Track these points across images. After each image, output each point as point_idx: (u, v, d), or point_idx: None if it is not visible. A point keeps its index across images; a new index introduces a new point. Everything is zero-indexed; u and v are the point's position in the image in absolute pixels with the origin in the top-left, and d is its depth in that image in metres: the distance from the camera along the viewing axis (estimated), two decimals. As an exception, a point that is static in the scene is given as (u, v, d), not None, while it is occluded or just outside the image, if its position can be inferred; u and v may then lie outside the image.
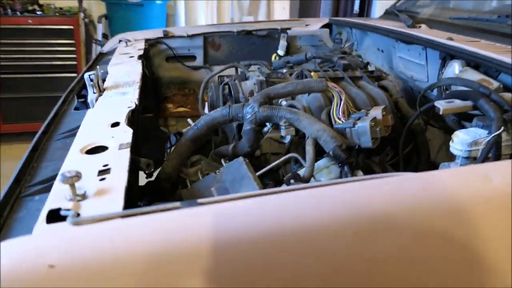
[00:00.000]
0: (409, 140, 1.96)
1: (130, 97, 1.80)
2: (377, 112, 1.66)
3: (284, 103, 1.91)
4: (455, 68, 1.86)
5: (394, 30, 2.26)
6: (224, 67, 2.39)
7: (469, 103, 1.51)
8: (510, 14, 1.94)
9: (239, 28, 3.27)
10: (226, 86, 2.17)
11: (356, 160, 1.59)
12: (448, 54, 1.96)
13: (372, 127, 1.59)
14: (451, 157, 2.11)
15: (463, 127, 1.96)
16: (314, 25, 3.35)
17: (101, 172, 1.12)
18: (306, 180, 1.53)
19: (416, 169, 2.03)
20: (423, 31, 2.24)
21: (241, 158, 1.41)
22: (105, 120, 1.50)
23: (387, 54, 2.55)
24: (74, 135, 1.51)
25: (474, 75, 1.77)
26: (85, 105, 1.92)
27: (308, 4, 6.16)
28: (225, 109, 1.72)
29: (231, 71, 2.53)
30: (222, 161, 1.80)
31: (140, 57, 2.49)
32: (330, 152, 1.58)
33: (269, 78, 2.02)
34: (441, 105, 1.51)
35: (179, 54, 3.24)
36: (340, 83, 2.05)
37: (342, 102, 1.68)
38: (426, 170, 2.04)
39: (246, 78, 2.21)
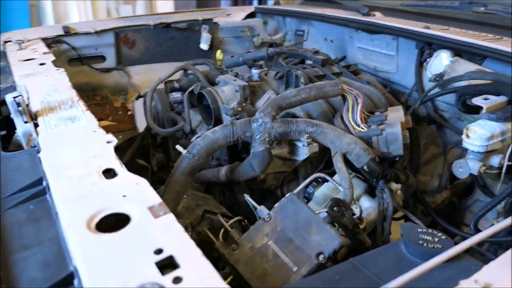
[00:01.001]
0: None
1: (87, 124, 1.32)
2: (399, 114, 1.48)
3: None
4: (443, 59, 1.79)
5: (357, 20, 2.11)
6: (173, 71, 1.97)
7: (503, 98, 1.42)
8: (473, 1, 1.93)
9: (156, 21, 2.80)
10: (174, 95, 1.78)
11: (390, 172, 1.39)
12: (426, 44, 1.88)
13: (403, 132, 1.41)
14: (436, 152, 2.09)
15: (445, 120, 1.92)
16: (237, 15, 3.05)
17: (164, 269, 0.71)
18: (348, 205, 1.28)
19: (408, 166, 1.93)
20: (382, 19, 2.14)
21: (293, 196, 1.09)
22: (85, 167, 1.03)
23: (339, 44, 2.40)
24: (39, 195, 1.01)
25: (468, 66, 1.71)
26: (12, 145, 1.37)
27: None
28: (226, 128, 1.36)
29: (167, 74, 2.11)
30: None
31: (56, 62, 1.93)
32: (365, 167, 1.36)
33: (249, 83, 1.69)
34: (484, 103, 1.40)
35: (84, 55, 2.64)
36: (323, 80, 1.82)
37: (359, 107, 1.46)
38: (415, 167, 1.99)
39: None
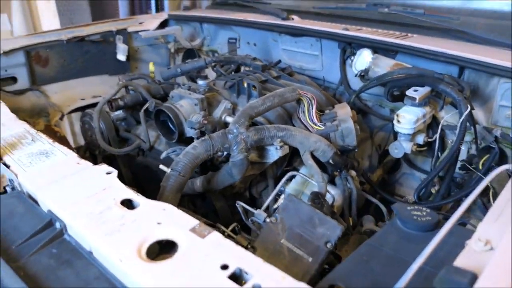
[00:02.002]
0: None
1: (65, 157, 1.29)
2: (346, 110, 1.70)
3: (228, 118, 1.73)
4: (365, 56, 2.06)
5: (282, 25, 2.29)
6: (116, 89, 1.94)
7: (428, 88, 1.72)
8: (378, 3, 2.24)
9: (68, 35, 2.67)
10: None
11: (351, 161, 1.61)
12: (347, 44, 2.14)
13: (354, 126, 1.63)
14: (363, 136, 2.37)
15: (369, 108, 2.22)
16: (150, 23, 3.03)
17: (238, 282, 0.79)
18: (324, 195, 1.46)
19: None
20: (302, 22, 2.35)
21: (292, 197, 1.23)
22: (99, 201, 1.04)
23: (263, 47, 2.57)
24: (57, 237, 1.00)
25: (387, 61, 2.00)
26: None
27: (102, 3, 5.45)
28: (205, 142, 1.44)
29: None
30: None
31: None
32: (330, 161, 1.55)
33: (204, 95, 1.76)
34: (416, 94, 1.67)
35: (-8, 78, 2.43)
36: (266, 85, 1.97)
37: (314, 107, 1.64)
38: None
39: (144, 100, 1.88)
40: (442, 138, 1.97)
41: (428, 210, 1.09)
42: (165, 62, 3.23)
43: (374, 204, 2.32)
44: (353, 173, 1.66)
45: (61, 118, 2.62)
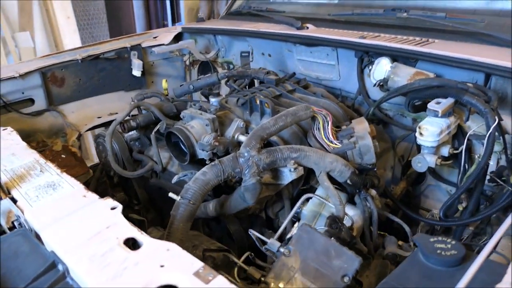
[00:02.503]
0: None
1: (72, 189, 1.27)
2: (364, 126, 1.61)
3: (241, 137, 1.67)
4: (383, 65, 1.96)
5: (296, 35, 2.21)
6: (128, 110, 1.91)
7: (451, 99, 1.61)
8: (396, 8, 2.14)
9: (83, 54, 2.68)
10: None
11: (370, 180, 1.52)
12: (364, 52, 2.04)
13: (373, 142, 1.55)
14: (385, 147, 2.27)
15: (390, 118, 2.12)
16: (164, 36, 3.01)
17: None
18: (342, 219, 1.38)
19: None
20: (316, 31, 2.27)
21: (306, 227, 1.16)
22: (102, 241, 1.00)
23: (278, 58, 2.50)
24: (59, 281, 0.97)
25: (407, 69, 1.90)
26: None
27: (119, 16, 5.51)
28: (215, 167, 1.38)
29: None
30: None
31: None
32: (348, 181, 1.47)
33: (216, 114, 1.71)
34: (439, 108, 1.57)
35: (10, 101, 2.45)
36: (280, 99, 1.91)
37: (330, 124, 1.56)
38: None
39: (156, 119, 1.85)
40: (469, 149, 1.85)
41: (454, 242, 1.00)
42: (181, 75, 3.21)
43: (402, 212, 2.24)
44: (373, 192, 1.57)
45: (78, 138, 2.63)
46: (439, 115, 1.57)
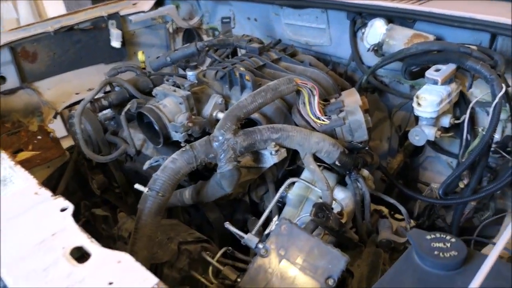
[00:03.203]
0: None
1: (24, 184, 1.12)
2: (355, 98, 1.45)
3: (220, 114, 1.51)
4: (378, 27, 1.77)
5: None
6: (97, 88, 1.74)
7: (452, 66, 1.43)
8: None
9: (55, 26, 2.47)
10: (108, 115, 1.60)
11: (361, 159, 1.37)
12: (357, 13, 1.85)
13: (365, 117, 1.39)
14: (381, 116, 2.11)
15: (386, 86, 1.94)
16: (143, 3, 2.79)
17: None
18: (330, 206, 1.24)
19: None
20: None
21: (286, 222, 1.02)
22: (45, 252, 0.87)
23: (265, 22, 2.30)
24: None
25: (403, 32, 1.71)
26: None
27: None
28: (186, 154, 1.23)
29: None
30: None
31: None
32: (336, 162, 1.32)
33: (192, 90, 1.55)
34: (438, 76, 1.39)
35: (-21, 80, 2.28)
36: (263, 70, 1.73)
37: (316, 99, 1.40)
38: (369, 136, 2.00)
39: (131, 96, 1.68)
40: (472, 118, 1.69)
41: (454, 240, 0.86)
42: (164, 45, 3.01)
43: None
44: (365, 172, 1.43)
45: (55, 117, 2.47)
46: (439, 83, 1.39)
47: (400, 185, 1.73)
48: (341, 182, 1.48)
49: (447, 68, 1.42)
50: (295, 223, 1.03)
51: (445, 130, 1.70)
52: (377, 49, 1.75)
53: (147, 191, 1.20)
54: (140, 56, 2.16)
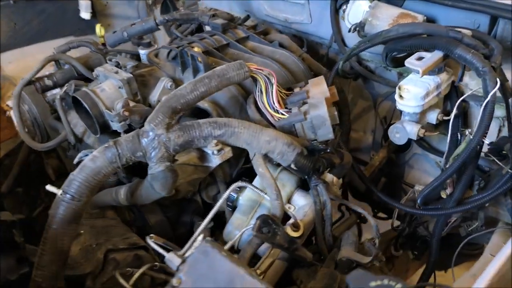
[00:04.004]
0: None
1: None
2: (321, 89, 1.23)
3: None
4: (361, 5, 1.53)
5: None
6: (38, 67, 1.54)
7: (438, 53, 1.20)
8: None
9: (15, -7, 2.25)
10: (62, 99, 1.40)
11: (322, 162, 1.16)
12: (339, -12, 1.60)
13: (330, 112, 1.17)
14: (365, 105, 1.88)
15: (372, 72, 1.70)
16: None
17: None
18: (279, 219, 1.04)
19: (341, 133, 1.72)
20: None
21: (207, 247, 0.82)
22: None
23: (242, -4, 2.05)
24: None
25: (389, 10, 1.47)
26: None
27: None
28: (109, 151, 1.03)
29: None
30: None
31: None
32: (292, 165, 1.11)
33: (136, 72, 1.34)
34: (419, 66, 1.16)
35: None
36: (226, 51, 1.51)
37: (274, 87, 1.18)
38: (348, 132, 1.78)
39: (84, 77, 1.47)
40: (465, 113, 1.47)
41: (400, 285, 0.66)
42: (142, 17, 2.77)
43: (384, 181, 1.90)
44: (329, 177, 1.22)
45: (14, 94, 2.27)
46: (420, 74, 1.17)
47: (376, 190, 1.53)
48: (305, 186, 1.27)
49: (432, 56, 1.19)
50: (218, 246, 0.83)
51: (432, 127, 1.49)
52: (359, 29, 1.51)
53: (61, 194, 1.01)
54: (98, 30, 1.93)
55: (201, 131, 1.06)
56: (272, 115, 1.19)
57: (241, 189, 1.22)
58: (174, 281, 0.81)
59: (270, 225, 1.01)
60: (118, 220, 1.34)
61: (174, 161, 1.10)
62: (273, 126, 1.19)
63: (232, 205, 1.25)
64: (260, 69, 1.15)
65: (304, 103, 1.20)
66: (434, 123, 1.40)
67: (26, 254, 1.21)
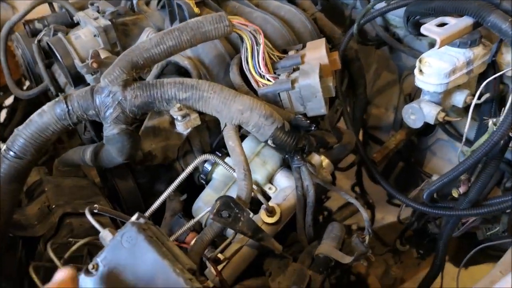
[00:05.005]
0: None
1: None
2: (319, 53, 1.03)
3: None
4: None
5: None
6: (28, 8, 1.43)
7: (468, 21, 0.96)
8: None
9: None
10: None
11: (308, 140, 0.98)
12: None
13: (324, 82, 0.98)
14: (390, 79, 1.65)
15: (399, 41, 1.46)
16: None
17: None
18: (246, 202, 0.89)
19: (354, 108, 1.52)
20: None
21: (131, 228, 0.69)
22: None
23: None
24: None
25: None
26: None
27: None
28: (58, 106, 0.91)
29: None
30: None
31: None
32: (269, 142, 0.94)
33: (117, 19, 1.19)
34: (438, 33, 0.94)
35: None
36: (226, 3, 1.32)
37: (261, 48, 1.00)
38: (363, 107, 1.57)
39: (75, 23, 1.34)
40: (502, 98, 1.22)
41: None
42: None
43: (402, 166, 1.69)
44: (316, 158, 1.04)
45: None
46: (437, 45, 0.94)
47: (381, 177, 1.33)
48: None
49: (458, 24, 0.95)
50: (150, 230, 0.70)
51: (461, 111, 1.25)
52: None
53: (4, 150, 0.90)
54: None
55: (163, 92, 0.91)
56: (256, 81, 1.02)
57: (214, 164, 1.08)
58: (90, 265, 0.69)
59: (232, 208, 0.86)
60: (90, 181, 1.24)
61: (134, 123, 0.96)
62: (256, 93, 1.01)
63: (206, 178, 1.11)
64: (243, 24, 0.97)
65: (297, 69, 1.01)
66: (461, 106, 1.17)
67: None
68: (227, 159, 1.01)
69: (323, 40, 1.07)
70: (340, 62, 1.06)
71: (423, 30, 0.97)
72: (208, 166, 1.09)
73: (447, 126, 1.39)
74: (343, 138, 1.13)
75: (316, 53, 1.02)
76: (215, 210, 0.85)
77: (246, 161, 0.91)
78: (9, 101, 2.20)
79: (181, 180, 0.95)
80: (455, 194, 1.07)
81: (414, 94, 1.49)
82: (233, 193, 0.92)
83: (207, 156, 0.96)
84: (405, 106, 1.18)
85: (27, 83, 1.94)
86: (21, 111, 1.94)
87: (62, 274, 0.64)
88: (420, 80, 1.11)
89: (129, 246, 0.68)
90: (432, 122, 1.13)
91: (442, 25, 0.96)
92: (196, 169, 1.05)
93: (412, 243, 1.47)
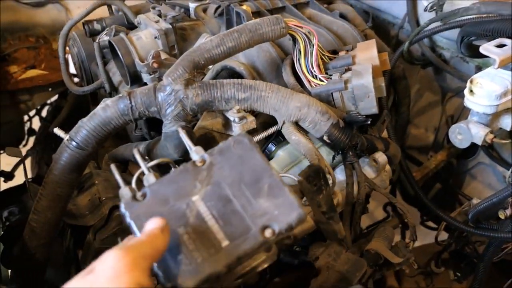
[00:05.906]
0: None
1: None
2: (370, 54, 1.06)
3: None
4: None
5: None
6: (88, 9, 1.50)
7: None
8: None
9: None
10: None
11: (361, 139, 1.01)
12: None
13: (376, 83, 1.00)
14: (432, 100, 1.66)
15: (445, 62, 1.48)
16: None
17: None
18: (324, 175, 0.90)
19: (395, 126, 1.53)
20: None
21: (244, 137, 0.69)
22: None
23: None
24: None
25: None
26: None
27: None
28: (122, 102, 0.95)
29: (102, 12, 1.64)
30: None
31: None
32: (325, 138, 0.97)
33: (177, 24, 1.24)
34: (497, 54, 0.95)
35: (6, -13, 2.14)
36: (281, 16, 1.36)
37: (315, 49, 1.03)
38: (405, 126, 1.58)
39: (132, 26, 1.40)
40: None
41: None
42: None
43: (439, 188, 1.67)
44: (382, 158, 1.07)
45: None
46: (496, 65, 0.95)
47: (424, 195, 1.33)
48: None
49: (517, 45, 0.96)
50: (255, 143, 0.71)
51: (507, 134, 1.25)
52: (437, 9, 1.30)
53: (67, 140, 0.95)
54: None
55: (223, 91, 0.94)
56: (309, 81, 1.05)
57: (284, 141, 1.09)
58: (197, 160, 0.69)
59: (320, 179, 0.88)
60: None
61: (192, 122, 1.00)
62: (309, 93, 1.04)
63: (269, 155, 1.12)
64: (298, 26, 1.00)
65: (347, 69, 1.04)
66: (508, 129, 1.18)
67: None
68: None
69: (373, 41, 1.10)
70: (388, 63, 1.08)
71: (482, 49, 0.98)
72: (273, 144, 1.10)
73: (489, 149, 1.39)
74: (390, 148, 1.14)
75: (367, 53, 1.05)
76: (304, 173, 0.86)
77: (316, 148, 0.94)
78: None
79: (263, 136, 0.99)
80: (501, 216, 1.07)
81: (458, 116, 1.49)
82: (294, 171, 0.94)
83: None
84: (452, 125, 1.19)
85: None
86: (68, 107, 2.02)
87: (153, 223, 0.61)
88: (470, 101, 1.12)
89: (239, 150, 0.69)
90: (479, 143, 1.14)
91: (500, 46, 0.97)
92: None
93: (449, 265, 1.45)
